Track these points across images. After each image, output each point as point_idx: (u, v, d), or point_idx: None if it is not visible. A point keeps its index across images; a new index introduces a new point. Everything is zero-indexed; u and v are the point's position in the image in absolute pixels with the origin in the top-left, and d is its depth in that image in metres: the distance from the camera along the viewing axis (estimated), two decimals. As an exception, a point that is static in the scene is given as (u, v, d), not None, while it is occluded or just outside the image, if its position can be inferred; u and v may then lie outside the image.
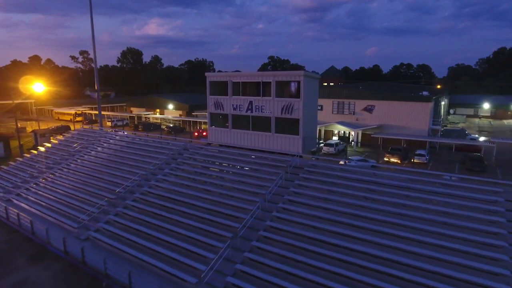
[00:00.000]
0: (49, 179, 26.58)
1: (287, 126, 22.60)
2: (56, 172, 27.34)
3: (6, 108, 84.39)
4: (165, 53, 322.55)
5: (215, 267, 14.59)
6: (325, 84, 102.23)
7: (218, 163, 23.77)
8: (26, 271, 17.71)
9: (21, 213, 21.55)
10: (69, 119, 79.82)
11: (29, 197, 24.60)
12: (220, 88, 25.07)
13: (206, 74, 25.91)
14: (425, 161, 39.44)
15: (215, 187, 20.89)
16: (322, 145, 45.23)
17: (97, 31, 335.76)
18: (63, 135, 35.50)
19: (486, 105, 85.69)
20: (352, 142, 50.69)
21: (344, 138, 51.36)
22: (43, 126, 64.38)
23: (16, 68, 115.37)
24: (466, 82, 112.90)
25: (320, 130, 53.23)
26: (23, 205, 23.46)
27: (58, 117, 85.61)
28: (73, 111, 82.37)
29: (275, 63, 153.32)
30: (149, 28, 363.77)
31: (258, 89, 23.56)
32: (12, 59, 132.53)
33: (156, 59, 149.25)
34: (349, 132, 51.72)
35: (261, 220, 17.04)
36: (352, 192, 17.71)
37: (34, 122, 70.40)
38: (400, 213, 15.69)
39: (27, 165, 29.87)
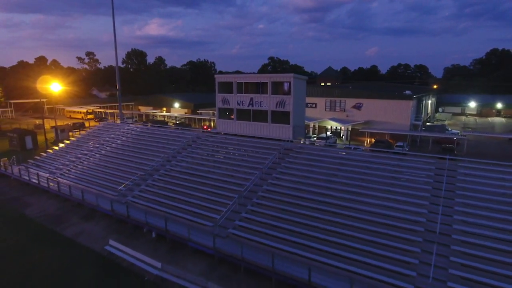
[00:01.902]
0: (85, 162, 32.25)
1: (281, 117, 28.23)
2: (90, 157, 32.99)
3: (25, 108, 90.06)
4: (166, 53, 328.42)
5: (225, 216, 20.29)
6: (323, 84, 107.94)
7: (225, 147, 29.44)
8: (81, 226, 23.29)
9: (71, 186, 27.17)
10: (80, 117, 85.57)
11: (71, 175, 30.31)
12: (227, 87, 30.72)
13: (216, 76, 31.61)
14: (404, 152, 44.94)
15: (224, 164, 26.57)
16: (315, 138, 50.71)
17: (99, 32, 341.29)
18: (90, 128, 41.14)
19: (472, 104, 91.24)
20: (343, 136, 56.28)
21: (335, 133, 57.02)
22: (59, 123, 70.00)
23: (22, 69, 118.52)
24: (459, 82, 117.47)
25: (314, 126, 58.88)
26: (67, 181, 29.12)
27: (70, 115, 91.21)
28: (84, 110, 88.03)
29: (275, 64, 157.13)
30: (150, 28, 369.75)
31: (258, 88, 29.18)
32: (18, 60, 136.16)
33: (160, 60, 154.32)
34: (340, 127, 57.34)
35: (259, 186, 22.68)
36: (328, 165, 23.36)
37: (49, 119, 76.02)
38: (362, 178, 21.33)
39: (64, 152, 35.57)
